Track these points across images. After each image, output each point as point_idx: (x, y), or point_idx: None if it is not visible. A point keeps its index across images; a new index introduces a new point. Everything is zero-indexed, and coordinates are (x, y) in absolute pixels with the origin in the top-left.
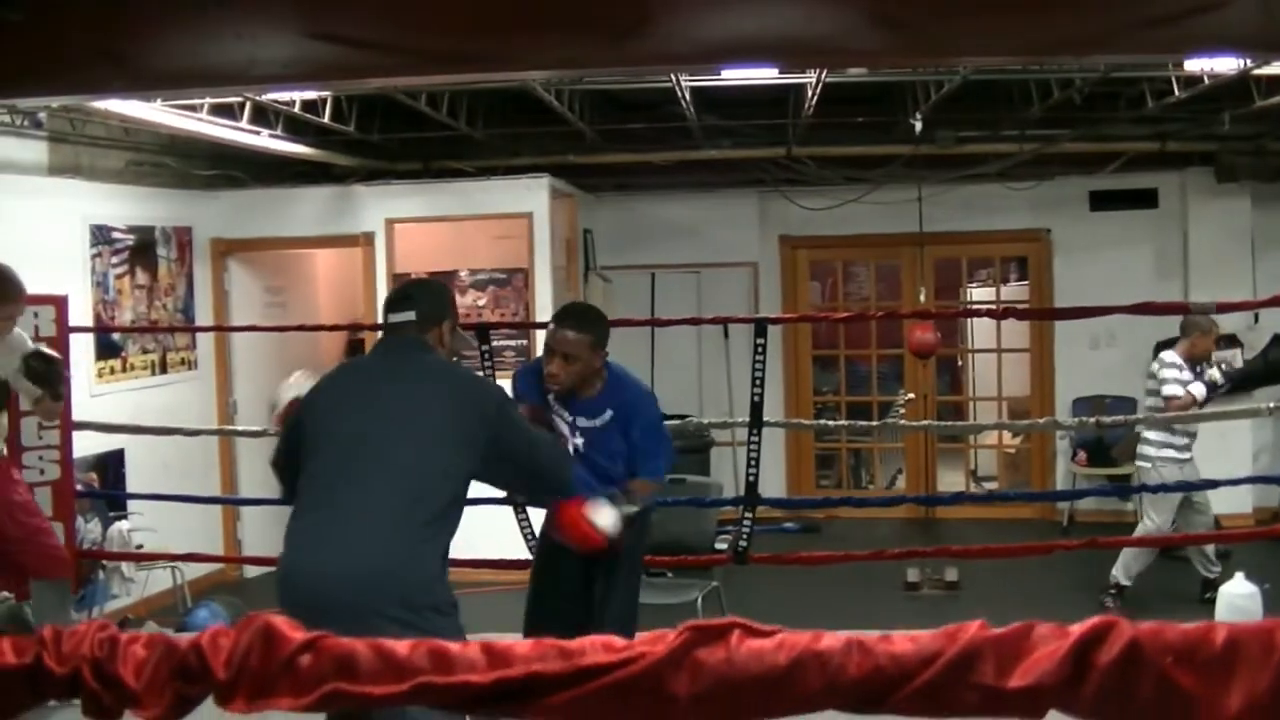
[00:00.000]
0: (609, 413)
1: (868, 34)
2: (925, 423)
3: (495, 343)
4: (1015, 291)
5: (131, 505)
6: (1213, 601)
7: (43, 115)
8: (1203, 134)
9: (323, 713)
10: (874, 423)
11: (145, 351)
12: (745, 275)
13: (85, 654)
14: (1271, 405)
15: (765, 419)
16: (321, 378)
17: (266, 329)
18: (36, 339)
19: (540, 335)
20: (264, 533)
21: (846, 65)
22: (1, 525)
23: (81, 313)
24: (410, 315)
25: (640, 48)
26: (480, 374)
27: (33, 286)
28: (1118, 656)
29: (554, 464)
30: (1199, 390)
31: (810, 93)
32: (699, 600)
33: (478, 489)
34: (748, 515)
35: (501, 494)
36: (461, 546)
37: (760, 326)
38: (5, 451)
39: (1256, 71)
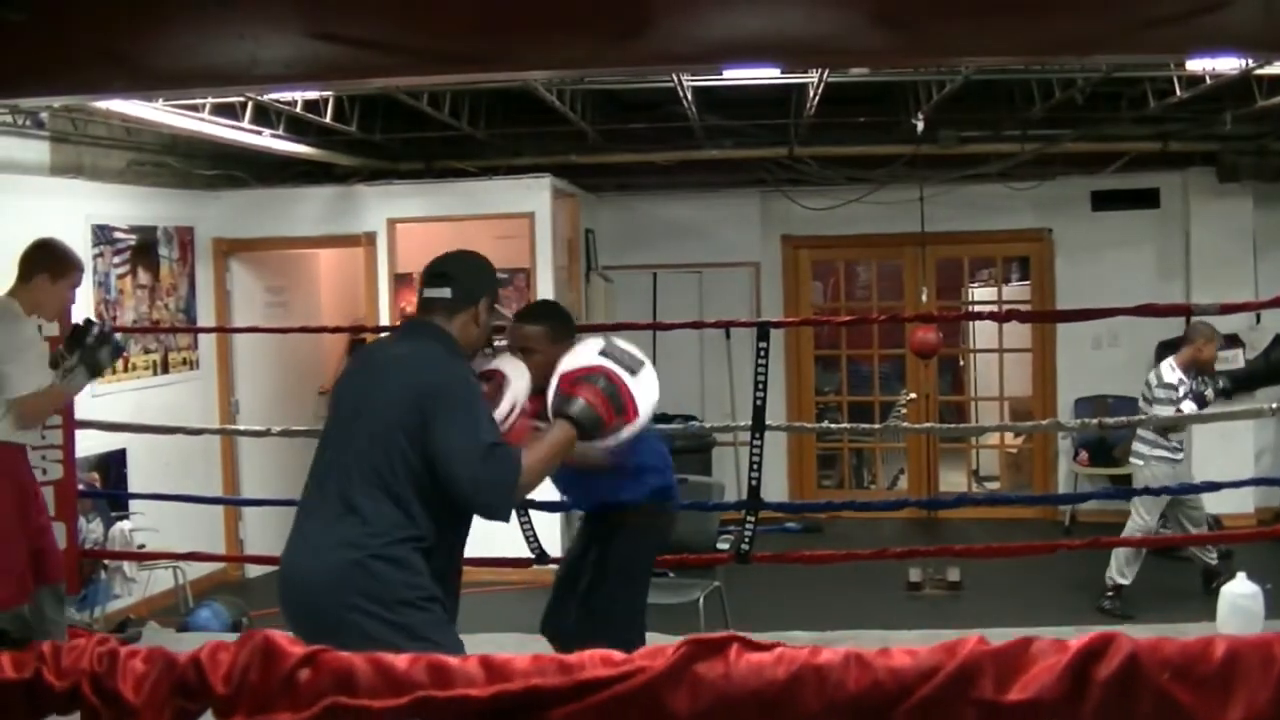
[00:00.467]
0: None
1: (869, 34)
2: (927, 425)
3: (496, 343)
4: (1017, 291)
5: (133, 505)
6: (1217, 592)
7: (45, 115)
8: (1204, 134)
9: None
10: (876, 425)
11: (147, 351)
12: (747, 275)
13: (85, 668)
14: (1273, 406)
15: (767, 422)
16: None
17: (268, 330)
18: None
19: None
20: (265, 532)
21: (848, 65)
22: (29, 512)
23: (83, 312)
24: (445, 293)
25: (642, 47)
26: (456, 362)
27: None
28: (1116, 671)
29: (485, 477)
30: (1189, 409)
31: (812, 92)
32: (701, 600)
33: None
34: (750, 518)
35: None
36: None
37: (763, 330)
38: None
39: (1258, 71)
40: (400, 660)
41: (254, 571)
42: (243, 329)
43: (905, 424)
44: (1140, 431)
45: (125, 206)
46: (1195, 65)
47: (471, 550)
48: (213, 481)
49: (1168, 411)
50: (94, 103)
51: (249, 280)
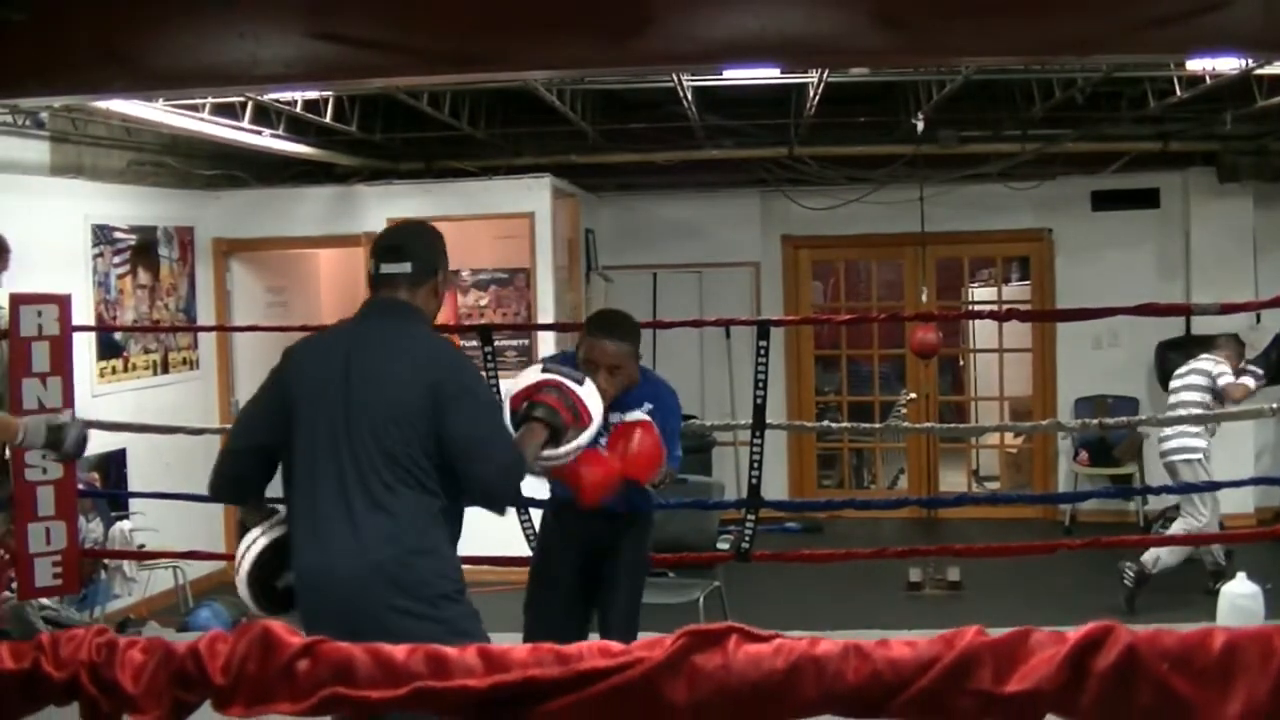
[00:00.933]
0: (648, 405)
1: (869, 34)
2: (927, 425)
3: (498, 343)
4: (1017, 291)
5: (133, 505)
6: (1217, 592)
7: (45, 115)
8: (1205, 134)
9: (321, 717)
10: (876, 425)
11: (147, 351)
12: (747, 275)
13: (83, 659)
14: (1274, 406)
15: (768, 421)
16: (301, 343)
17: (268, 329)
18: (39, 337)
19: (541, 336)
20: None
21: (848, 65)
22: None
23: (83, 312)
24: (405, 268)
25: (642, 47)
26: (453, 346)
27: (35, 286)
28: (1115, 662)
29: (498, 472)
30: (1250, 382)
31: (812, 92)
32: (701, 600)
33: None
34: (750, 517)
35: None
36: (460, 544)
37: (763, 328)
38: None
39: (1258, 71)
40: (398, 650)
41: None
42: (243, 328)
43: (905, 424)
44: (1186, 429)
45: (125, 206)
46: (1195, 65)
47: (472, 548)
48: None
49: (1246, 382)
50: (94, 103)
51: (249, 280)
